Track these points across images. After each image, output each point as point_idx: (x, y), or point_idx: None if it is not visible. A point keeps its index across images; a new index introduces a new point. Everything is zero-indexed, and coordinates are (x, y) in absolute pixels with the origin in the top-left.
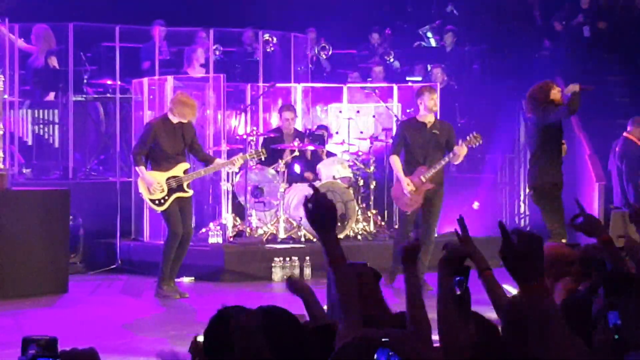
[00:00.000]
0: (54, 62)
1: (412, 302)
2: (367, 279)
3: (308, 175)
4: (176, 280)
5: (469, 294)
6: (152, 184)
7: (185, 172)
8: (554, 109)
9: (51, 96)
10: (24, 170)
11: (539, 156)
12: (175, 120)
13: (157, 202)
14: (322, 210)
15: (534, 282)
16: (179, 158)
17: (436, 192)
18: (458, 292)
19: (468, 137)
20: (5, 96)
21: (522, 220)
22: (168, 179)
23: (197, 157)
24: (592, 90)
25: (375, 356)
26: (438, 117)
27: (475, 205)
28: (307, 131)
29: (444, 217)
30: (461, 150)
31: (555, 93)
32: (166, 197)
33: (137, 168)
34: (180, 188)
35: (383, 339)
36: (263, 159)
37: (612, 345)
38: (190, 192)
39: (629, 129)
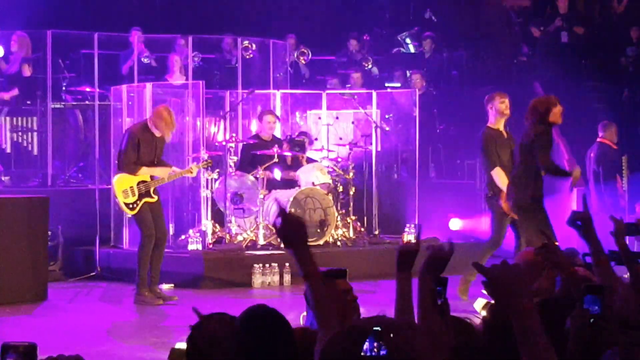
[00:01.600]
0: (27, 70)
1: (401, 308)
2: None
3: (292, 174)
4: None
5: (448, 303)
6: (164, 172)
7: (152, 177)
8: (543, 150)
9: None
10: (3, 178)
11: (521, 170)
12: (152, 129)
13: (130, 206)
14: (291, 227)
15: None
16: (148, 165)
17: None
18: (439, 302)
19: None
20: None
21: None
22: (138, 183)
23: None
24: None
25: (366, 345)
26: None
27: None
28: (288, 137)
29: (427, 223)
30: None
31: (556, 114)
32: (137, 202)
33: (138, 172)
34: (147, 193)
35: (374, 328)
36: (209, 168)
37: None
38: (156, 198)
39: (600, 134)
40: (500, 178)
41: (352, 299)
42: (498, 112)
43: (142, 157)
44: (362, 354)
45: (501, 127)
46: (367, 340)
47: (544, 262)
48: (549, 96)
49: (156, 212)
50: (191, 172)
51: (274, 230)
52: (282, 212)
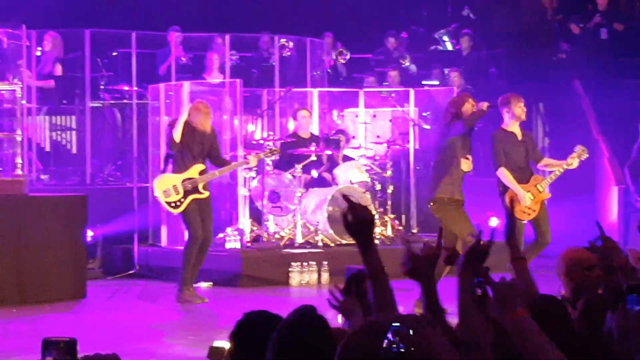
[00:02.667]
0: (59, 69)
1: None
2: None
3: (327, 175)
4: (194, 285)
5: (488, 294)
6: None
7: (201, 173)
8: (454, 125)
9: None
10: (42, 177)
11: (439, 168)
12: (195, 126)
13: (172, 204)
14: (362, 223)
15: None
16: (196, 160)
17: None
18: (479, 293)
19: (577, 150)
20: (23, 102)
21: None
22: (183, 180)
23: (213, 163)
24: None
25: (385, 341)
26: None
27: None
28: (325, 135)
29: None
30: (575, 163)
31: (468, 107)
32: (182, 200)
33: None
34: (195, 190)
35: (393, 324)
36: (277, 157)
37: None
38: (206, 193)
39: None
40: (507, 177)
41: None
42: (515, 116)
43: (185, 152)
44: (382, 350)
45: (515, 129)
46: (387, 336)
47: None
48: (457, 95)
49: (204, 211)
50: (247, 163)
51: (344, 223)
52: (351, 204)
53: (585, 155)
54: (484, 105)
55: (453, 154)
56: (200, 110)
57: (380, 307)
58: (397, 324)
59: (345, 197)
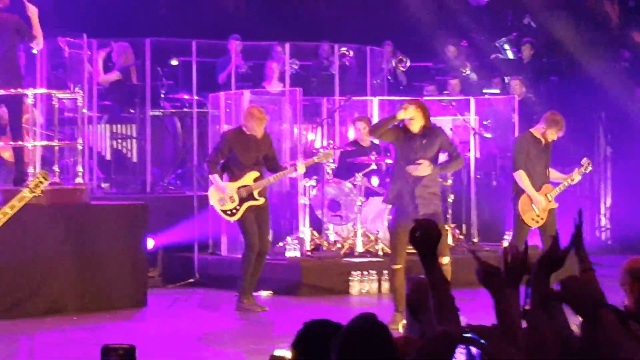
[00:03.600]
0: (134, 76)
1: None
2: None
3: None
4: (254, 294)
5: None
6: (224, 191)
7: (255, 180)
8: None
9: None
10: (103, 185)
11: (390, 176)
12: (248, 132)
13: (228, 212)
14: (430, 239)
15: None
16: (252, 168)
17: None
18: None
19: (583, 164)
20: (84, 111)
21: (603, 234)
22: (239, 188)
23: (269, 169)
24: None
25: (457, 351)
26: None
27: None
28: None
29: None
30: (577, 178)
31: (401, 113)
32: (237, 207)
33: (210, 176)
34: (251, 197)
35: (464, 335)
36: (331, 161)
37: None
38: (262, 200)
39: None
40: (523, 180)
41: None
42: (545, 136)
43: (241, 161)
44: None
45: (541, 137)
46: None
47: None
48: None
49: (262, 218)
50: (295, 170)
51: (410, 237)
52: (424, 220)
53: (589, 168)
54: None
55: (400, 159)
56: (254, 115)
57: (441, 317)
58: (470, 334)
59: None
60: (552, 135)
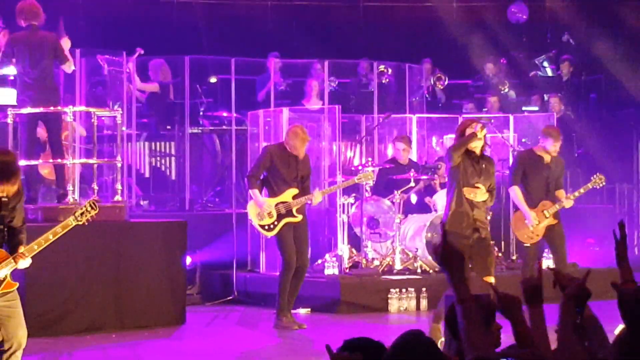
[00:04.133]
0: (171, 93)
1: (538, 341)
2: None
3: (429, 200)
4: (292, 311)
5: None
6: (262, 206)
7: (294, 197)
8: (447, 151)
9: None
10: (142, 202)
11: (449, 198)
12: (290, 150)
13: (266, 227)
14: (450, 257)
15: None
16: (289, 184)
17: (556, 224)
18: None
19: (593, 179)
20: (124, 128)
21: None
22: (277, 204)
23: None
24: None
25: None
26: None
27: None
28: (425, 163)
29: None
30: (569, 203)
31: (470, 131)
32: (275, 223)
33: (250, 191)
34: (289, 213)
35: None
36: (371, 182)
37: None
38: (300, 217)
39: None
40: (517, 196)
41: (497, 328)
42: (546, 151)
43: (280, 176)
44: None
45: (546, 155)
46: None
47: None
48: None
49: (300, 235)
50: (310, 200)
51: (434, 256)
52: (444, 238)
53: (600, 184)
54: (476, 131)
55: (459, 182)
56: (298, 135)
57: (469, 333)
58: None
59: (442, 227)
60: (552, 147)
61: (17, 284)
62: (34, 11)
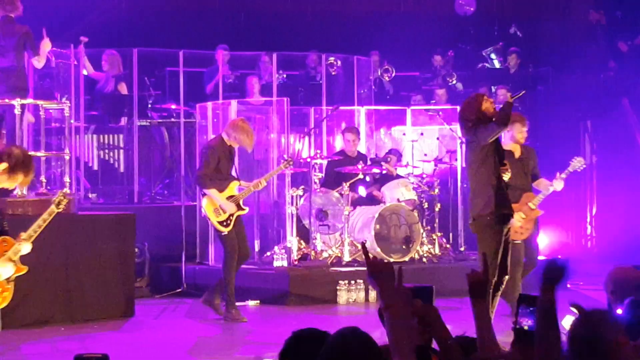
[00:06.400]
0: (123, 88)
1: (481, 334)
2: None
3: (377, 193)
4: (241, 303)
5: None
6: (222, 204)
7: (240, 189)
8: (484, 128)
9: (123, 121)
10: (90, 195)
11: (484, 186)
12: (228, 142)
13: (224, 223)
14: (378, 270)
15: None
16: (231, 178)
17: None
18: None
19: (572, 162)
20: (72, 121)
21: (589, 242)
22: (227, 199)
23: None
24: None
25: None
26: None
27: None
28: (375, 156)
29: None
30: (559, 185)
31: (487, 105)
32: (230, 218)
33: (207, 190)
34: (239, 207)
35: None
36: (290, 166)
37: None
38: (247, 209)
39: None
40: None
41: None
42: (514, 139)
43: (224, 171)
44: None
45: (514, 147)
46: None
47: None
48: (469, 98)
49: (239, 226)
50: (258, 187)
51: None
52: (366, 257)
53: (580, 167)
54: (509, 97)
55: (495, 161)
56: (244, 129)
57: (393, 339)
58: None
59: (364, 252)
60: (519, 133)
61: (27, 268)
62: (11, 2)
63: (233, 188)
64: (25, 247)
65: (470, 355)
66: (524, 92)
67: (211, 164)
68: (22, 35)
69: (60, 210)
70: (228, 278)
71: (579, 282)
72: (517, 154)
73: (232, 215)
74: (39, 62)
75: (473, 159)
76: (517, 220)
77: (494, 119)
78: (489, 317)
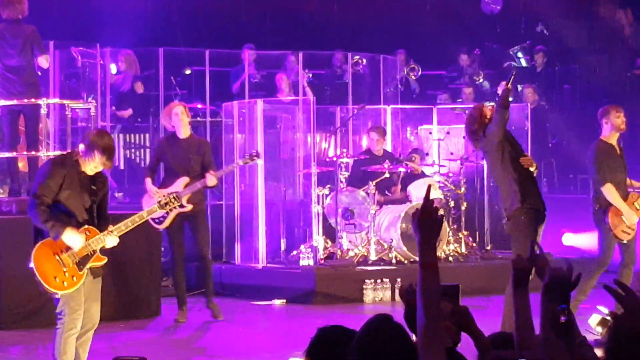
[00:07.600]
0: (139, 87)
1: (520, 324)
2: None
3: (398, 194)
4: (267, 302)
5: (573, 320)
6: (153, 197)
7: (186, 186)
8: (491, 124)
9: (124, 114)
10: (116, 194)
11: (508, 183)
12: (181, 136)
13: (156, 220)
14: (428, 221)
15: None
16: (179, 173)
17: None
18: (563, 320)
19: None
20: (98, 121)
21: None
22: (166, 195)
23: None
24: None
25: None
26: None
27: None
28: (399, 155)
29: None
30: None
31: (486, 110)
32: (165, 215)
33: (148, 180)
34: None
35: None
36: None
37: None
38: (190, 207)
39: None
40: (612, 194)
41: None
42: (614, 127)
43: (172, 167)
44: None
45: (614, 142)
46: None
47: None
48: (470, 109)
49: (195, 225)
50: (206, 184)
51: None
52: (426, 200)
53: None
54: (503, 84)
55: (515, 157)
56: (171, 113)
57: (424, 298)
58: None
59: (427, 193)
60: (617, 119)
61: (106, 259)
62: (17, 3)
63: (180, 184)
64: (110, 240)
65: (507, 351)
66: (515, 72)
67: (155, 158)
68: (29, 34)
69: (165, 210)
70: (173, 281)
71: None
72: (619, 152)
73: (167, 213)
74: (43, 62)
75: (493, 162)
76: (635, 218)
77: (496, 106)
78: (529, 311)
